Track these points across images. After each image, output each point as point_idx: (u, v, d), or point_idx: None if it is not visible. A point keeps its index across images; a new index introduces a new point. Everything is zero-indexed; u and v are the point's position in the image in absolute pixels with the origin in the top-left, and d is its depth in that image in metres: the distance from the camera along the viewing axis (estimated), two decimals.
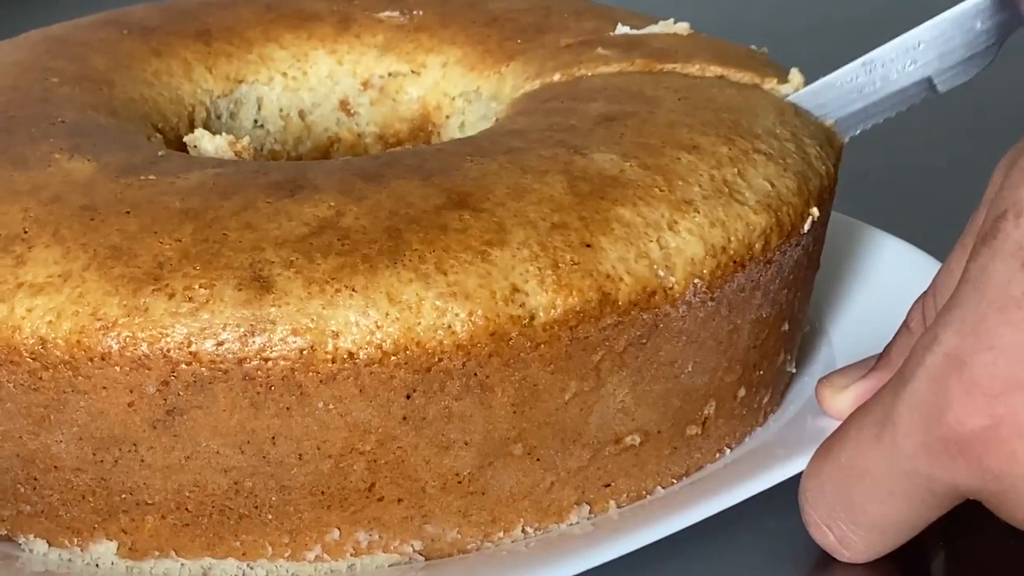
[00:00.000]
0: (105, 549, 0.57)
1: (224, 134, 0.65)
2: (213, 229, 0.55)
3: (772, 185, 0.60)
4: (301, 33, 0.74)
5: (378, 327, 0.54)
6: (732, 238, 0.58)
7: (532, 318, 0.55)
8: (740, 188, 0.59)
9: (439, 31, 0.73)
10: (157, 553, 0.56)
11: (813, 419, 0.63)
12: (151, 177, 0.58)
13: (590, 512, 0.59)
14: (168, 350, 0.53)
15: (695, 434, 0.60)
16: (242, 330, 0.53)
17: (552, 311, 0.55)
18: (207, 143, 0.64)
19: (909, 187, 0.87)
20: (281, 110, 0.73)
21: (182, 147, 0.66)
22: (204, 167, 0.59)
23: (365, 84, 0.73)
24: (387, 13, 0.74)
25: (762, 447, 0.62)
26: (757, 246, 0.59)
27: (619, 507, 0.59)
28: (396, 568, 0.57)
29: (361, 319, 0.54)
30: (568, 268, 0.55)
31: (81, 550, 0.57)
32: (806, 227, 0.61)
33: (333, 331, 0.53)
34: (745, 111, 0.63)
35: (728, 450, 0.62)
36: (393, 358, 0.54)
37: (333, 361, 0.54)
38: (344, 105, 0.74)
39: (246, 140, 0.64)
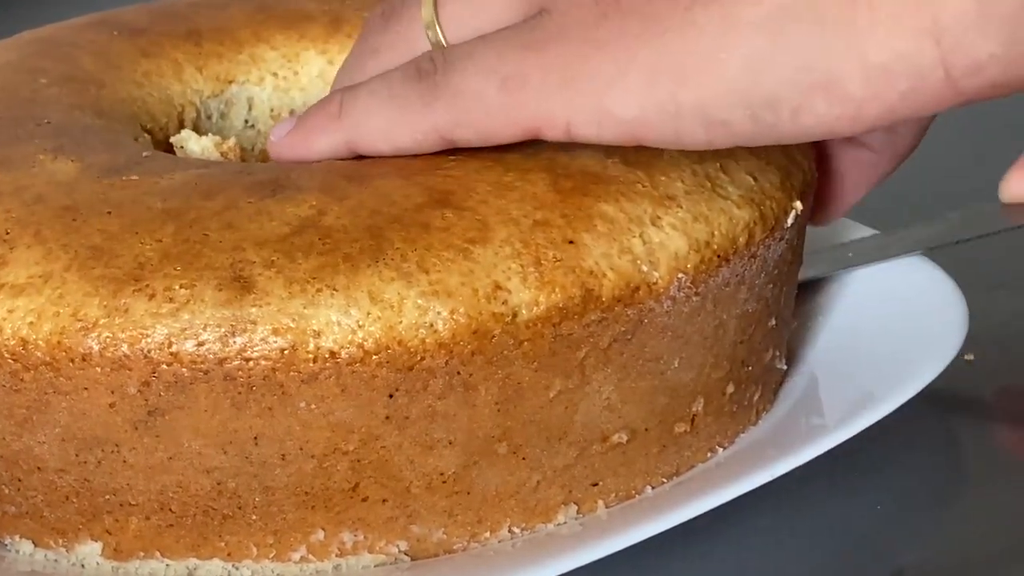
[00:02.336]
0: (90, 550, 0.57)
1: (210, 135, 0.65)
2: (194, 229, 0.55)
3: (755, 179, 0.60)
4: (292, 33, 0.73)
5: (360, 326, 0.53)
6: (715, 232, 0.58)
7: (515, 315, 0.54)
8: (723, 182, 0.59)
9: None
10: (142, 554, 0.56)
11: (806, 418, 0.63)
12: (134, 177, 0.58)
13: (578, 512, 0.58)
14: (149, 351, 0.53)
15: (684, 432, 0.60)
16: (223, 330, 0.53)
17: (535, 308, 0.55)
18: (193, 144, 0.64)
19: (897, 184, 0.87)
20: (272, 110, 0.73)
21: (171, 148, 0.66)
22: (188, 168, 0.59)
23: None
24: None
25: (753, 446, 0.62)
26: (741, 240, 0.58)
27: (607, 507, 0.59)
28: (382, 568, 0.56)
29: (342, 318, 0.53)
30: (551, 265, 0.55)
31: (66, 551, 0.57)
32: (789, 220, 0.60)
33: (314, 331, 0.53)
34: None
35: (720, 449, 0.62)
36: (375, 357, 0.54)
37: (315, 361, 0.53)
38: None
39: (232, 141, 0.64)
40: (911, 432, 0.65)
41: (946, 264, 0.72)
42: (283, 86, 0.73)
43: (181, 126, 0.70)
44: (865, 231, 0.72)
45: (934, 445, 0.66)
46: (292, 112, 0.73)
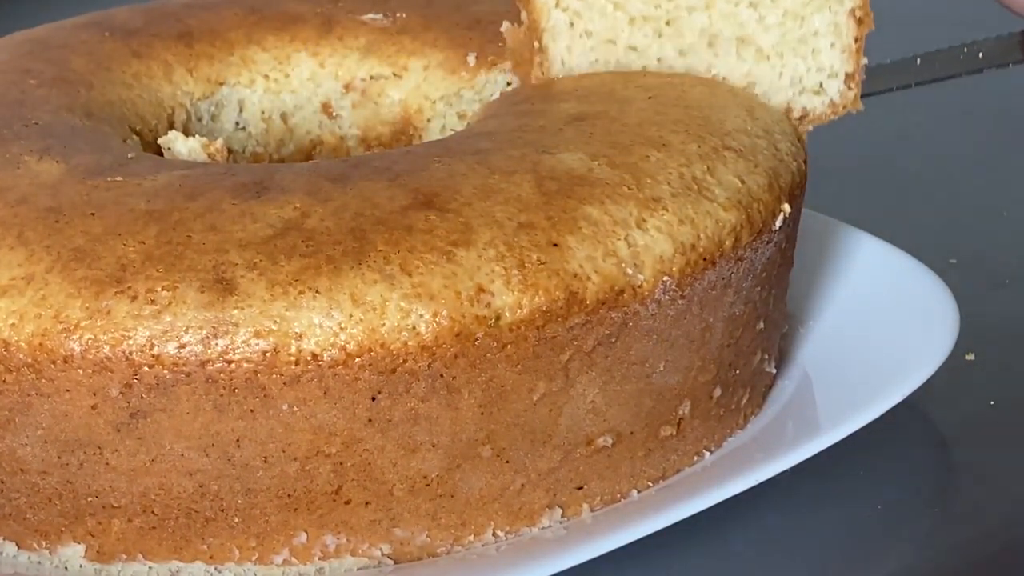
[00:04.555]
0: (73, 552, 0.56)
1: (197, 136, 0.65)
2: (177, 231, 0.55)
3: (742, 182, 0.59)
4: (284, 35, 0.73)
5: (342, 328, 0.53)
6: (702, 235, 0.57)
7: (498, 318, 0.54)
8: (710, 185, 0.59)
9: (421, 34, 0.72)
10: (124, 556, 0.56)
11: (793, 422, 0.63)
12: (118, 179, 0.58)
13: (562, 515, 0.58)
14: (130, 352, 0.53)
15: (670, 435, 0.60)
16: (204, 332, 0.53)
17: (518, 311, 0.54)
18: (180, 145, 0.64)
19: (886, 185, 0.87)
20: (263, 112, 0.73)
21: (161, 150, 0.66)
22: (172, 169, 0.59)
23: (347, 87, 0.73)
24: (370, 15, 0.74)
25: (740, 450, 0.62)
26: (727, 243, 0.58)
27: (592, 510, 0.59)
28: (365, 572, 0.56)
29: (325, 321, 0.53)
30: (535, 268, 0.55)
31: (50, 553, 0.57)
32: (778, 223, 0.60)
33: (296, 333, 0.53)
34: (715, 108, 0.62)
35: (707, 453, 0.62)
36: (357, 360, 0.53)
37: (297, 363, 0.53)
38: (326, 108, 0.73)
39: (219, 142, 0.64)
40: (911, 432, 0.65)
41: (946, 264, 0.72)
42: (274, 88, 0.73)
43: (171, 128, 0.69)
44: (859, 233, 0.72)
45: (934, 445, 0.66)
46: (283, 115, 0.73)
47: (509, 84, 0.69)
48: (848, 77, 0.65)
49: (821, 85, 0.65)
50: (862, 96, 0.65)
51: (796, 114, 0.65)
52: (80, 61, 0.69)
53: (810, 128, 0.66)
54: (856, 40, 0.64)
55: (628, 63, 0.66)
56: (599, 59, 0.66)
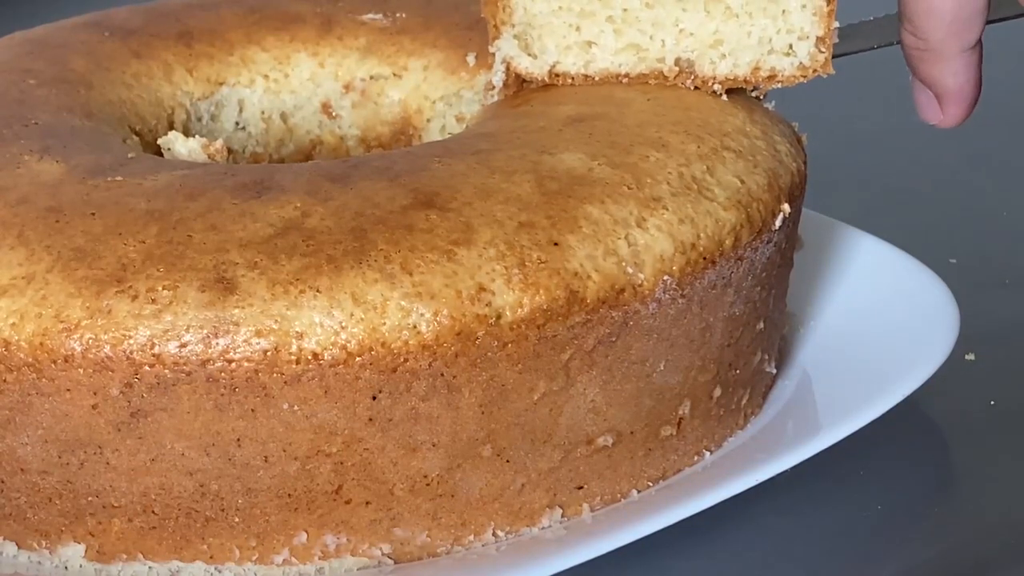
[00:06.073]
0: (73, 552, 0.56)
1: (197, 136, 0.65)
2: (178, 231, 0.55)
3: (742, 182, 0.60)
4: (283, 35, 0.73)
5: (343, 328, 0.53)
6: (702, 235, 0.57)
7: (499, 317, 0.54)
8: (709, 185, 0.59)
9: (421, 34, 0.72)
10: (125, 556, 0.56)
11: (793, 422, 0.63)
12: (118, 179, 0.58)
13: (562, 515, 0.58)
14: (131, 352, 0.53)
15: (670, 435, 0.60)
16: (205, 332, 0.53)
17: (519, 310, 0.54)
18: (180, 145, 0.64)
19: (886, 185, 0.87)
20: (263, 112, 0.73)
21: (161, 150, 0.66)
22: (172, 169, 0.59)
23: (347, 87, 0.73)
24: (370, 15, 0.74)
25: (740, 450, 0.62)
26: (727, 242, 0.58)
27: (592, 510, 0.59)
28: (365, 572, 0.56)
29: (325, 320, 0.53)
30: (535, 267, 0.55)
31: (50, 553, 0.57)
32: (777, 223, 0.60)
33: (297, 332, 0.53)
34: (715, 110, 0.62)
35: (707, 453, 0.62)
36: (358, 359, 0.53)
37: (297, 362, 0.53)
38: (326, 108, 0.73)
39: (219, 143, 0.64)
40: (911, 432, 0.65)
41: (946, 264, 0.72)
42: (274, 88, 0.73)
43: (171, 128, 0.69)
44: (859, 233, 0.72)
45: (934, 445, 0.66)
46: (283, 115, 0.73)
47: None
48: (819, 40, 0.63)
49: (791, 47, 0.63)
50: (838, 56, 0.64)
51: (764, 74, 0.63)
52: (80, 61, 0.69)
53: (778, 86, 0.64)
54: (828, 3, 0.63)
55: (592, 11, 0.64)
56: (562, 6, 0.64)
